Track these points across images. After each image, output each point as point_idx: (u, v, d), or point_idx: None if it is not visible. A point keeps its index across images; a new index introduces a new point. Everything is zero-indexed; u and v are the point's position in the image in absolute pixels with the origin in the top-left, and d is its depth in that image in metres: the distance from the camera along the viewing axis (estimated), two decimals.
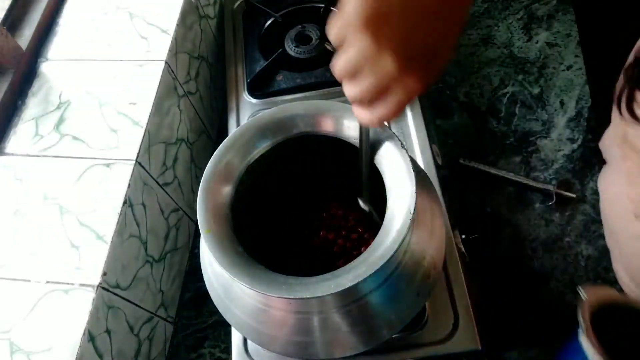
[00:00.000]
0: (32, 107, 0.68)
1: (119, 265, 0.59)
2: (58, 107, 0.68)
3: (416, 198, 0.42)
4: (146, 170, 0.66)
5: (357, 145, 0.49)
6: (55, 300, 0.54)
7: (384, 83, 0.35)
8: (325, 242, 0.59)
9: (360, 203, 0.53)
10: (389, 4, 0.33)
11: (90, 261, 0.56)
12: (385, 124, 0.49)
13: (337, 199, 0.61)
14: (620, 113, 0.55)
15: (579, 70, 0.96)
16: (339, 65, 0.36)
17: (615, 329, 0.58)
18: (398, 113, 0.37)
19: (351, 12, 0.33)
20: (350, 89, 0.37)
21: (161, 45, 0.72)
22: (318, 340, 0.47)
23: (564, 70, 0.97)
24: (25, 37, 0.72)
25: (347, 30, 0.34)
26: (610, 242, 0.68)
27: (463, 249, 0.67)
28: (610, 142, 0.68)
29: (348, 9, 0.33)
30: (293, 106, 0.51)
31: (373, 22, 0.33)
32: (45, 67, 0.72)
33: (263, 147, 0.51)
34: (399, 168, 0.44)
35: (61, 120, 0.67)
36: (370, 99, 0.37)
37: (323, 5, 0.90)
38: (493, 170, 0.87)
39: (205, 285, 0.54)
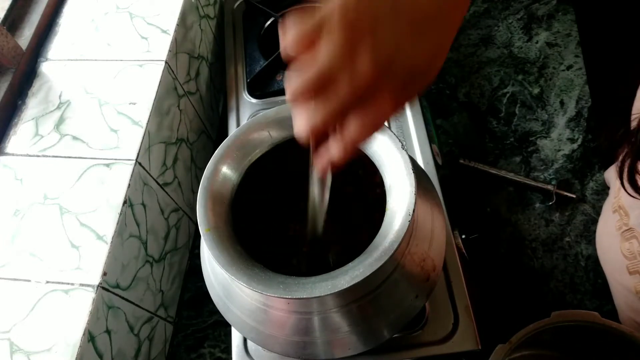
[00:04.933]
0: (32, 107, 0.68)
1: (119, 265, 0.59)
2: (58, 107, 0.68)
3: (416, 199, 0.42)
4: (146, 170, 0.66)
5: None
6: (55, 300, 0.54)
7: (357, 96, 0.29)
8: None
9: None
10: (378, 6, 0.28)
11: (90, 261, 0.56)
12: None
13: (336, 198, 0.61)
14: (623, 185, 0.54)
15: (579, 70, 0.96)
16: (305, 75, 0.30)
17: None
18: (368, 135, 0.32)
19: (334, 8, 0.28)
20: (310, 111, 0.31)
21: (161, 45, 0.72)
22: (318, 340, 0.47)
23: (564, 70, 0.97)
24: (25, 37, 0.72)
25: (321, 23, 0.28)
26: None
27: (463, 249, 0.67)
28: (611, 177, 0.69)
29: (329, 6, 0.28)
30: None
31: (354, 16, 0.28)
32: (45, 67, 0.72)
33: (263, 147, 0.51)
34: (398, 168, 0.44)
35: (61, 120, 0.67)
36: (335, 121, 0.31)
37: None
38: (493, 170, 0.87)
39: (205, 285, 0.54)
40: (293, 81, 0.30)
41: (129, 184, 0.61)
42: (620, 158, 0.53)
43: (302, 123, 0.31)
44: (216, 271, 0.51)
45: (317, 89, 0.30)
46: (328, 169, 0.34)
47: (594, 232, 0.77)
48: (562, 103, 0.93)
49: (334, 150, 0.32)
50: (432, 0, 0.29)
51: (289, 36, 0.30)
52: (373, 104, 0.30)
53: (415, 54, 0.29)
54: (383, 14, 0.28)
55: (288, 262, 0.51)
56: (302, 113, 0.31)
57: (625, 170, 0.52)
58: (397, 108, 0.31)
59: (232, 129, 0.79)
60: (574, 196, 0.82)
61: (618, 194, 0.65)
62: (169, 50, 0.72)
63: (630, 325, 0.62)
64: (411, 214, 0.41)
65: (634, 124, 0.52)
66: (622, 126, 0.63)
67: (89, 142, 0.64)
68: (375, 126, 0.31)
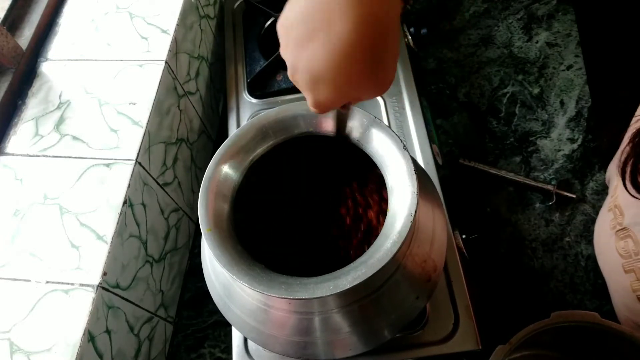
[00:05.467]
0: (32, 107, 0.68)
1: (119, 265, 0.59)
2: (58, 107, 0.68)
3: (418, 200, 0.42)
4: (146, 170, 0.66)
5: (359, 145, 0.49)
6: (55, 300, 0.54)
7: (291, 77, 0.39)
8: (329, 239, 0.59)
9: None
10: (292, 14, 0.35)
11: (90, 261, 0.56)
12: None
13: (338, 198, 0.61)
14: (625, 185, 0.54)
15: (579, 70, 0.96)
16: None
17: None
18: (317, 108, 0.40)
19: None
20: None
21: (161, 45, 0.72)
22: (319, 341, 0.47)
23: (564, 70, 0.97)
24: (25, 37, 0.72)
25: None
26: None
27: (463, 249, 0.67)
28: (611, 174, 0.69)
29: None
30: (294, 106, 0.51)
31: (280, 26, 0.37)
32: (45, 67, 0.72)
33: (264, 147, 0.51)
34: (400, 169, 0.44)
35: (61, 120, 0.66)
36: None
37: None
38: (493, 170, 0.87)
39: (205, 285, 0.54)
40: None
41: (129, 184, 0.61)
42: (623, 158, 0.53)
43: None
44: (217, 271, 0.51)
45: None
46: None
47: (594, 232, 0.77)
48: (562, 103, 0.93)
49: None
50: (331, 15, 0.33)
51: None
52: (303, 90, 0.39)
53: (314, 59, 0.35)
54: (292, 25, 0.36)
55: (289, 262, 0.51)
56: None
57: (628, 170, 0.52)
58: (311, 101, 0.38)
59: (232, 129, 0.79)
60: (574, 196, 0.82)
61: (615, 193, 0.65)
62: (169, 50, 0.72)
63: (628, 325, 0.63)
64: (413, 214, 0.41)
65: (637, 124, 0.52)
66: (622, 126, 0.63)
67: (89, 142, 0.64)
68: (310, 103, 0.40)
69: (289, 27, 0.35)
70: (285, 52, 0.37)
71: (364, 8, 0.33)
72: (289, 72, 0.38)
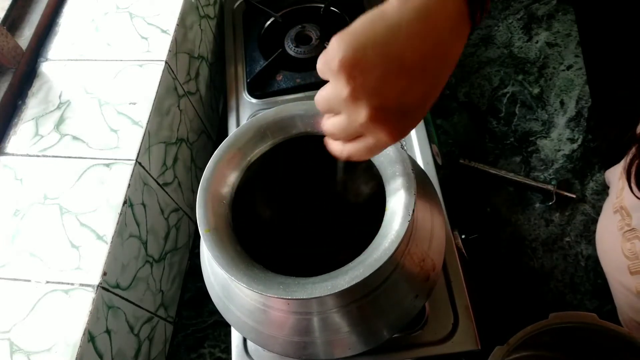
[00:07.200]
0: (32, 107, 0.68)
1: (119, 265, 0.59)
2: (58, 107, 0.68)
3: (415, 199, 0.42)
4: (146, 170, 0.66)
5: None
6: (55, 300, 0.54)
7: (353, 129, 0.35)
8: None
9: None
10: (369, 52, 0.32)
11: (90, 261, 0.56)
12: None
13: (336, 199, 0.61)
14: (630, 186, 0.54)
15: (579, 70, 0.96)
16: (318, 97, 0.36)
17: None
18: (367, 157, 0.38)
19: (333, 49, 0.33)
20: (324, 122, 0.38)
21: (161, 45, 0.72)
22: (318, 340, 0.47)
23: (564, 70, 0.97)
24: (25, 37, 0.72)
25: (327, 67, 0.34)
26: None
27: (463, 249, 0.67)
28: (613, 177, 0.69)
29: (331, 46, 0.33)
30: (293, 106, 0.51)
31: (351, 66, 0.32)
32: (45, 67, 0.72)
33: (263, 147, 0.51)
34: (398, 168, 0.44)
35: (61, 120, 0.67)
36: (341, 138, 0.38)
37: (323, 5, 0.90)
38: (493, 170, 0.87)
39: (205, 285, 0.54)
40: (316, 96, 0.37)
41: (129, 184, 0.61)
42: (628, 160, 0.53)
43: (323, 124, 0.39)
44: (216, 271, 0.51)
45: (326, 111, 0.37)
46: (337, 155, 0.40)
47: (594, 232, 0.77)
48: (562, 103, 0.93)
49: (336, 148, 0.39)
50: (417, 49, 0.33)
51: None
52: (370, 136, 0.36)
53: (405, 95, 0.34)
54: (374, 64, 0.32)
55: (288, 262, 0.51)
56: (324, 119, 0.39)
57: (633, 172, 0.52)
58: (392, 139, 0.35)
59: (232, 129, 0.79)
60: (574, 196, 0.82)
61: (620, 195, 0.65)
62: (169, 50, 0.72)
63: (631, 326, 0.62)
64: (411, 214, 0.41)
65: None
66: (622, 126, 0.63)
67: (89, 142, 0.65)
68: (371, 152, 0.37)
69: (371, 66, 0.32)
70: (361, 90, 0.33)
71: (458, 47, 0.36)
72: (368, 112, 0.33)
